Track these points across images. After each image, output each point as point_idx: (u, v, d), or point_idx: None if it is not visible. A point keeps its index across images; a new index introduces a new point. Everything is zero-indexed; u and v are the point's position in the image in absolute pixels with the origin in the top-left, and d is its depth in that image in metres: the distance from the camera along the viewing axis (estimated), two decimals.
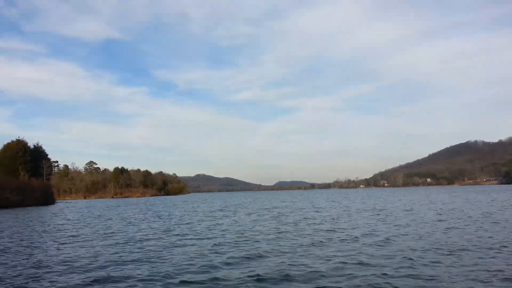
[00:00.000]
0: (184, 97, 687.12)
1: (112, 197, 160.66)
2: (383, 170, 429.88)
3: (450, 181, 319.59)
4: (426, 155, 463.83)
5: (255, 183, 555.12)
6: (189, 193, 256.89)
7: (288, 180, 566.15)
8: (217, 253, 14.52)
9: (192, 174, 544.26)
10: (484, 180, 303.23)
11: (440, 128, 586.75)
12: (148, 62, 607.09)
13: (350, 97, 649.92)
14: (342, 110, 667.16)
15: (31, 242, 18.92)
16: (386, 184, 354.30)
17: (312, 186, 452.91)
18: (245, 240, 17.75)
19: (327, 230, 21.17)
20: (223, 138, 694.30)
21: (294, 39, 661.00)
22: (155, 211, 47.08)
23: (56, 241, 19.04)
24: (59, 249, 16.30)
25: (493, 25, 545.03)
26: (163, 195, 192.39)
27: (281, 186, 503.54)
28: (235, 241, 17.63)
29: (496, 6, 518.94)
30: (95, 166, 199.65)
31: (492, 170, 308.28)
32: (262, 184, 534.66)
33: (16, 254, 15.43)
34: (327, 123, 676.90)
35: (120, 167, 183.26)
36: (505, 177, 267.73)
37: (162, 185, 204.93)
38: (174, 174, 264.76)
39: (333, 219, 28.53)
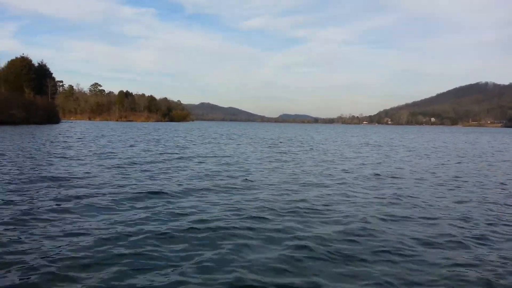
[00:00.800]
0: (192, 21, 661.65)
1: (117, 120, 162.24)
2: (388, 108, 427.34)
3: (454, 122, 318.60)
4: (434, 94, 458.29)
5: (259, 114, 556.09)
6: (193, 120, 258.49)
7: (292, 113, 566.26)
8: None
9: (197, 102, 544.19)
10: (489, 122, 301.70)
11: (452, 68, 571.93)
12: None
13: (364, 29, 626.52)
14: (354, 44, 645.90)
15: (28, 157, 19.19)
16: (389, 122, 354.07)
17: (316, 120, 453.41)
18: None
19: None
20: (230, 67, 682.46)
21: None
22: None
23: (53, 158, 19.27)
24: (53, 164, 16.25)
25: None
26: (167, 121, 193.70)
27: (285, 119, 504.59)
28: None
29: None
30: (100, 88, 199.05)
31: (499, 113, 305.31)
32: (266, 116, 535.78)
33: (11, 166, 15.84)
34: (336, 57, 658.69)
35: (125, 91, 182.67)
36: (510, 121, 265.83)
37: (166, 111, 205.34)
38: (179, 101, 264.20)
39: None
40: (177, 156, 20.38)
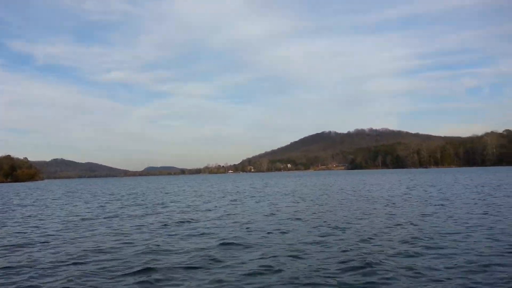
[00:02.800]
0: (45, 73, 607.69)
1: None
2: (250, 156, 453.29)
3: (306, 167, 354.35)
4: (288, 143, 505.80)
5: (121, 168, 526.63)
6: (42, 179, 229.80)
7: (158, 165, 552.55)
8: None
9: (48, 159, 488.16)
10: (334, 166, 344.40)
11: (301, 119, 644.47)
12: (2, 31, 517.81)
13: (224, 85, 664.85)
14: (216, 98, 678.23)
15: None
16: (252, 170, 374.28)
17: (183, 171, 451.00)
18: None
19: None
20: (89, 120, 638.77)
21: (172, 23, 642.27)
22: None
23: None
24: None
25: (351, 31, 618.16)
26: (11, 181, 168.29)
27: (150, 172, 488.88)
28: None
29: (355, 14, 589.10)
30: None
31: (341, 157, 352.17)
32: (130, 169, 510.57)
33: None
34: (200, 110, 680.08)
35: None
36: (351, 163, 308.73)
37: (9, 170, 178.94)
38: (25, 158, 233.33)
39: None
40: None
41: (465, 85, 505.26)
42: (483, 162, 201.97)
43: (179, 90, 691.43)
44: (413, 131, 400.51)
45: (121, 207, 25.35)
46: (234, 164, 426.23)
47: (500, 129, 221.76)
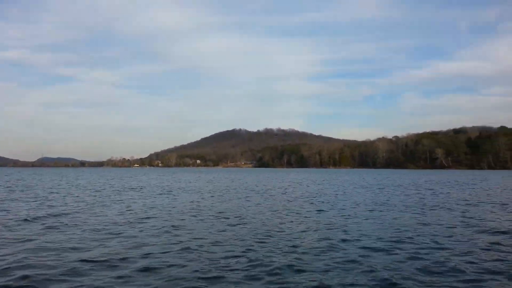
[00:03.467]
0: None
1: None
2: (159, 150, 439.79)
3: (215, 163, 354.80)
4: (199, 138, 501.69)
5: (11, 158, 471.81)
6: None
7: (55, 156, 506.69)
8: None
9: None
10: (243, 163, 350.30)
11: (213, 115, 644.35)
12: None
13: (135, 74, 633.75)
14: (125, 87, 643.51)
15: None
16: (160, 164, 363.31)
17: (82, 164, 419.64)
18: None
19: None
20: None
21: (82, 3, 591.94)
22: None
23: None
24: None
25: (266, 31, 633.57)
26: None
27: (44, 163, 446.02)
28: None
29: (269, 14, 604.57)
30: None
31: (250, 155, 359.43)
32: (20, 159, 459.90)
33: None
34: (106, 99, 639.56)
35: None
36: (258, 161, 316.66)
37: None
38: None
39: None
40: None
41: (363, 93, 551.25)
42: (374, 165, 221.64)
43: (84, 75, 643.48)
44: (316, 133, 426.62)
45: None
46: (141, 158, 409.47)
47: (389, 135, 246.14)
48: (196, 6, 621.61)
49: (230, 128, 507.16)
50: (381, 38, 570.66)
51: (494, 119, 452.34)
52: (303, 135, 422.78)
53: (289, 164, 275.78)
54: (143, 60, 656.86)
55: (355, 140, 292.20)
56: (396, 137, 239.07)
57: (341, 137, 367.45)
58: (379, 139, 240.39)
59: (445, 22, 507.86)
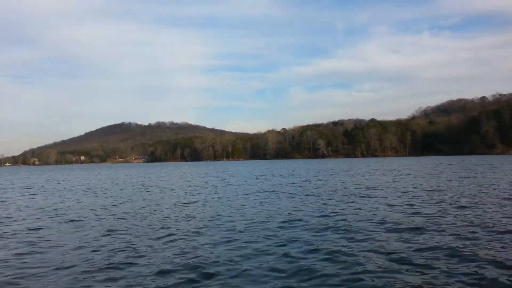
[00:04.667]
0: None
1: None
2: (35, 147, 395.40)
3: (103, 159, 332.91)
4: (83, 133, 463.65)
5: None
6: None
7: None
8: None
9: None
10: (134, 158, 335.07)
11: (99, 108, 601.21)
12: None
13: (2, 61, 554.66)
14: None
15: None
16: (37, 162, 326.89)
17: None
18: None
19: None
20: None
21: None
22: None
23: None
24: None
25: (156, 21, 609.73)
26: None
27: None
28: None
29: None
30: None
31: (141, 150, 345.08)
32: None
33: None
34: None
35: None
36: (150, 156, 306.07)
37: None
38: None
39: None
40: None
41: (254, 87, 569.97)
42: (264, 156, 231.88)
43: None
44: (210, 126, 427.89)
45: None
46: (13, 156, 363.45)
47: (278, 128, 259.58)
48: None
49: (118, 122, 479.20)
50: (270, 35, 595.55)
51: (366, 112, 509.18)
52: (197, 128, 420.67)
53: (183, 158, 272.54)
54: (15, 45, 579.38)
55: (247, 133, 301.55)
56: (284, 129, 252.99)
57: (234, 130, 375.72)
58: (269, 132, 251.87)
59: (325, 23, 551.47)
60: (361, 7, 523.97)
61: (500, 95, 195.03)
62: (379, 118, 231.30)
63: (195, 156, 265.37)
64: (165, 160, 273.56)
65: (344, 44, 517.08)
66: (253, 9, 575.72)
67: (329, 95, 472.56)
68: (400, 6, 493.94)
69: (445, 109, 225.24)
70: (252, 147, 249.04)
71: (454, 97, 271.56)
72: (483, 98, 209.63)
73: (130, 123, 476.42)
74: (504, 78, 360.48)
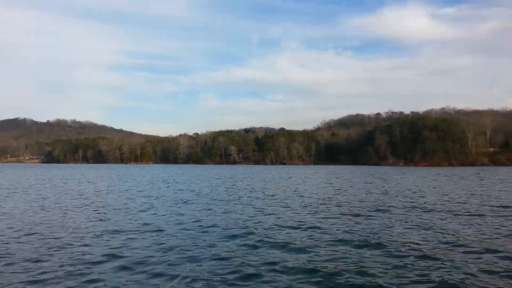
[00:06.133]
0: None
1: None
2: None
3: None
4: None
5: None
6: None
7: None
8: None
9: None
10: (27, 158, 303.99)
11: None
12: None
13: None
14: None
15: None
16: None
17: None
18: None
19: None
20: None
21: None
22: None
23: None
24: None
25: (60, 10, 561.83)
26: None
27: None
28: None
29: None
30: None
31: (37, 149, 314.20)
32: None
33: None
34: None
35: None
36: (47, 156, 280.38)
37: None
38: None
39: None
40: None
41: (166, 89, 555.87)
42: (175, 160, 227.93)
43: None
44: (117, 127, 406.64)
45: None
46: None
47: (190, 132, 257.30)
48: None
49: (11, 117, 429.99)
50: (185, 38, 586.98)
51: (276, 122, 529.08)
52: (102, 128, 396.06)
53: (85, 160, 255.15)
54: None
55: (157, 136, 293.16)
56: (196, 134, 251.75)
57: (143, 132, 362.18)
58: (181, 135, 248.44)
59: (240, 32, 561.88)
60: (275, 21, 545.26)
61: (392, 112, 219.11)
62: (288, 127, 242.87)
63: (100, 158, 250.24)
64: (64, 161, 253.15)
65: (258, 55, 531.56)
66: (169, 10, 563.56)
67: (241, 103, 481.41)
68: (311, 24, 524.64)
69: (346, 122, 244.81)
70: (162, 151, 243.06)
71: (353, 112, 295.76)
72: (378, 114, 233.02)
73: (25, 119, 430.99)
74: (395, 97, 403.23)
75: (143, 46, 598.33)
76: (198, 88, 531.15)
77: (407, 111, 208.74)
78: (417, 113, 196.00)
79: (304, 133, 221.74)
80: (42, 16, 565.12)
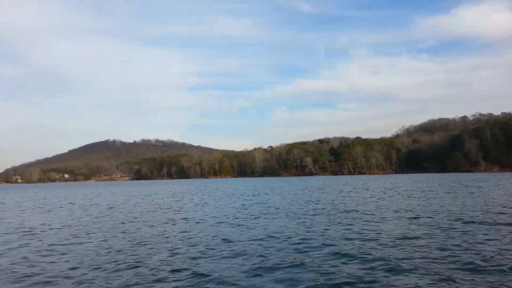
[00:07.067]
0: None
1: None
2: (17, 165, 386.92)
3: (87, 177, 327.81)
4: (66, 150, 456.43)
5: None
6: None
7: None
8: None
9: None
10: (119, 176, 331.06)
11: (82, 125, 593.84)
12: None
13: None
14: None
15: None
16: (20, 180, 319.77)
17: None
18: None
19: None
20: None
21: None
22: None
23: None
24: None
25: (137, 39, 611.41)
26: None
27: None
28: None
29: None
30: None
31: (126, 167, 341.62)
32: None
33: None
34: None
35: None
36: (136, 174, 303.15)
37: None
38: None
39: None
40: None
41: (238, 105, 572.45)
42: (252, 173, 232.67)
43: None
44: (196, 144, 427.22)
45: None
46: None
47: (263, 145, 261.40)
48: (58, 4, 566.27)
49: (102, 139, 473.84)
50: (251, 55, 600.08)
51: (350, 131, 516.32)
52: (183, 146, 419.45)
53: (170, 176, 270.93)
54: None
55: (233, 150, 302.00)
56: (270, 147, 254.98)
57: (220, 148, 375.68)
58: (256, 149, 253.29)
59: (306, 44, 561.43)
60: (339, 30, 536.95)
61: (480, 114, 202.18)
62: (363, 136, 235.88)
63: (182, 173, 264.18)
64: (151, 178, 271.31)
65: (326, 65, 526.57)
66: (233, 30, 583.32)
67: (312, 114, 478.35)
68: (376, 30, 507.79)
69: (427, 127, 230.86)
70: (239, 165, 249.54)
71: (433, 116, 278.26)
72: (464, 117, 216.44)
73: (114, 140, 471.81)
74: (481, 99, 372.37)
75: (212, 66, 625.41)
76: (269, 102, 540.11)
77: (497, 112, 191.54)
78: (509, 113, 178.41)
79: (382, 141, 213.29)
80: (123, 46, 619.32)
